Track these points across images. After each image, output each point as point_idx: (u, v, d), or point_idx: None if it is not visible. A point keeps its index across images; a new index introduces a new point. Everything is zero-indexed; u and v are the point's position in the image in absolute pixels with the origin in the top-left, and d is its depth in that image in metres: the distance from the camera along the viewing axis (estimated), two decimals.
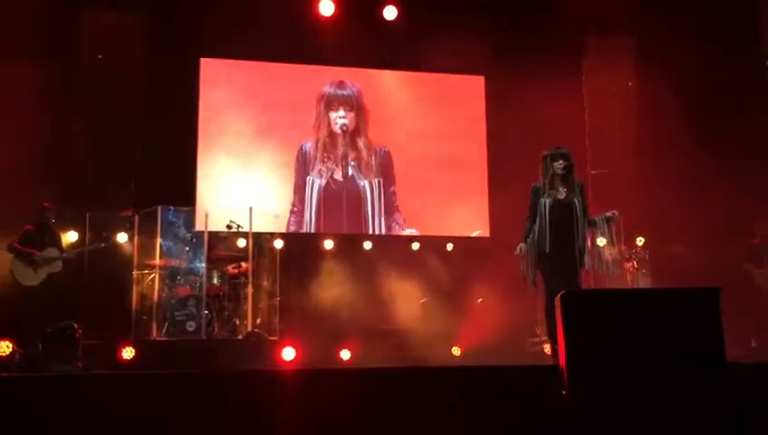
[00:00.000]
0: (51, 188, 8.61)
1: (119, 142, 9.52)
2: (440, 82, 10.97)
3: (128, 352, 7.41)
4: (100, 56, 9.55)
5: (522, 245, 5.99)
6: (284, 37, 10.22)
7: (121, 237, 8.97)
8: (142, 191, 9.47)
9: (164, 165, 9.60)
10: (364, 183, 10.49)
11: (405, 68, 10.89)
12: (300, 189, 10.30)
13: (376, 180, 10.52)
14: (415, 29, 10.29)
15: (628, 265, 9.22)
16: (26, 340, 7.16)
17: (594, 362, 3.37)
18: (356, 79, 10.73)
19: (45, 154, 8.71)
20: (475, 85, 11.04)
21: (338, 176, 10.42)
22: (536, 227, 5.92)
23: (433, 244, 10.44)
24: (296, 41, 10.27)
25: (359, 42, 10.46)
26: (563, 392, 3.52)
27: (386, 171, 10.59)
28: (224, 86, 10.27)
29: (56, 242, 8.18)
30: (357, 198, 10.45)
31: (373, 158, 10.56)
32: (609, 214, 6.05)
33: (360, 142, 10.55)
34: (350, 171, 10.47)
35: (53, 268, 7.99)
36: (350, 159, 10.47)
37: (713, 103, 9.62)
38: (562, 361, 3.52)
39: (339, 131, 10.46)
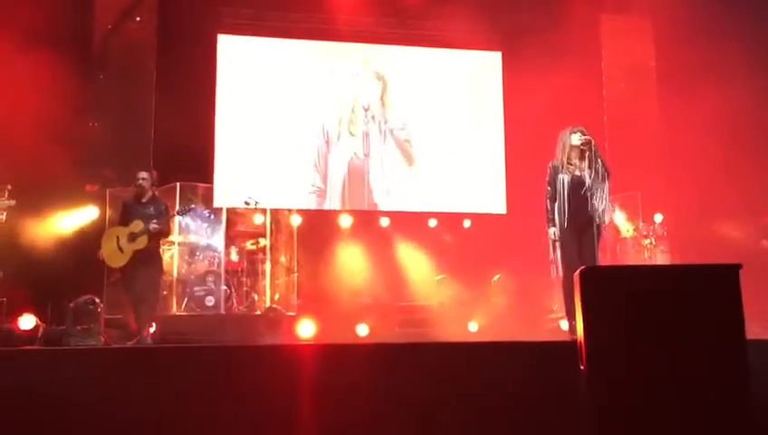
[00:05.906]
0: (68, 165, 8.62)
1: (137, 119, 9.55)
2: (457, 58, 10.92)
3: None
4: (112, 28, 9.56)
5: (554, 229, 5.98)
6: (302, 14, 10.19)
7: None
8: (161, 168, 9.48)
9: (182, 142, 9.59)
10: (386, 160, 10.47)
11: (422, 44, 10.84)
12: (321, 166, 10.30)
13: (398, 157, 10.49)
14: (432, 5, 10.22)
15: (646, 241, 9.17)
16: (50, 314, 7.25)
17: (612, 338, 3.38)
18: (374, 56, 10.70)
19: (62, 131, 8.71)
20: (492, 61, 10.97)
21: (360, 153, 10.40)
22: (555, 204, 5.93)
23: (450, 221, 10.44)
24: (314, 18, 10.24)
25: (376, 19, 10.41)
26: (581, 368, 3.54)
27: (405, 149, 10.57)
28: (242, 63, 10.28)
29: (148, 212, 7.06)
30: (379, 175, 10.44)
31: (394, 134, 10.53)
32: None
33: (381, 119, 10.52)
34: (372, 148, 10.44)
35: (137, 245, 6.92)
36: (371, 136, 10.44)
37: (732, 81, 9.49)
38: (581, 336, 3.53)
39: (360, 109, 10.44)
